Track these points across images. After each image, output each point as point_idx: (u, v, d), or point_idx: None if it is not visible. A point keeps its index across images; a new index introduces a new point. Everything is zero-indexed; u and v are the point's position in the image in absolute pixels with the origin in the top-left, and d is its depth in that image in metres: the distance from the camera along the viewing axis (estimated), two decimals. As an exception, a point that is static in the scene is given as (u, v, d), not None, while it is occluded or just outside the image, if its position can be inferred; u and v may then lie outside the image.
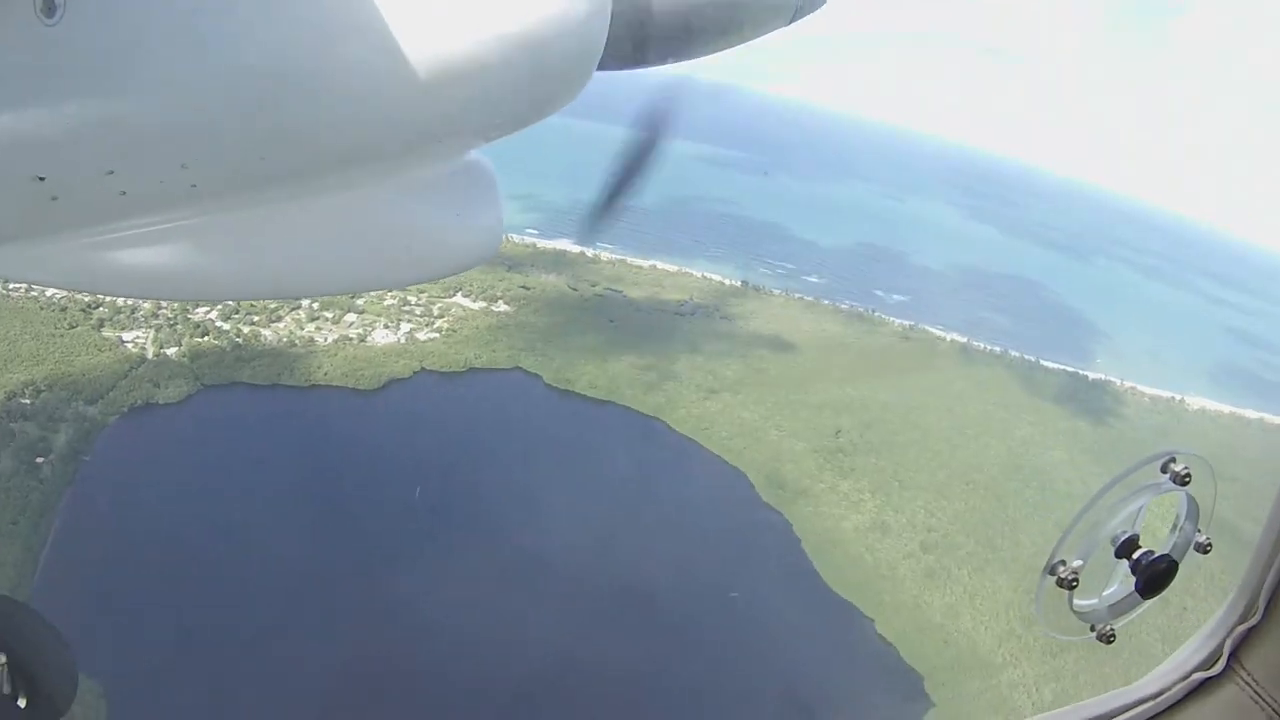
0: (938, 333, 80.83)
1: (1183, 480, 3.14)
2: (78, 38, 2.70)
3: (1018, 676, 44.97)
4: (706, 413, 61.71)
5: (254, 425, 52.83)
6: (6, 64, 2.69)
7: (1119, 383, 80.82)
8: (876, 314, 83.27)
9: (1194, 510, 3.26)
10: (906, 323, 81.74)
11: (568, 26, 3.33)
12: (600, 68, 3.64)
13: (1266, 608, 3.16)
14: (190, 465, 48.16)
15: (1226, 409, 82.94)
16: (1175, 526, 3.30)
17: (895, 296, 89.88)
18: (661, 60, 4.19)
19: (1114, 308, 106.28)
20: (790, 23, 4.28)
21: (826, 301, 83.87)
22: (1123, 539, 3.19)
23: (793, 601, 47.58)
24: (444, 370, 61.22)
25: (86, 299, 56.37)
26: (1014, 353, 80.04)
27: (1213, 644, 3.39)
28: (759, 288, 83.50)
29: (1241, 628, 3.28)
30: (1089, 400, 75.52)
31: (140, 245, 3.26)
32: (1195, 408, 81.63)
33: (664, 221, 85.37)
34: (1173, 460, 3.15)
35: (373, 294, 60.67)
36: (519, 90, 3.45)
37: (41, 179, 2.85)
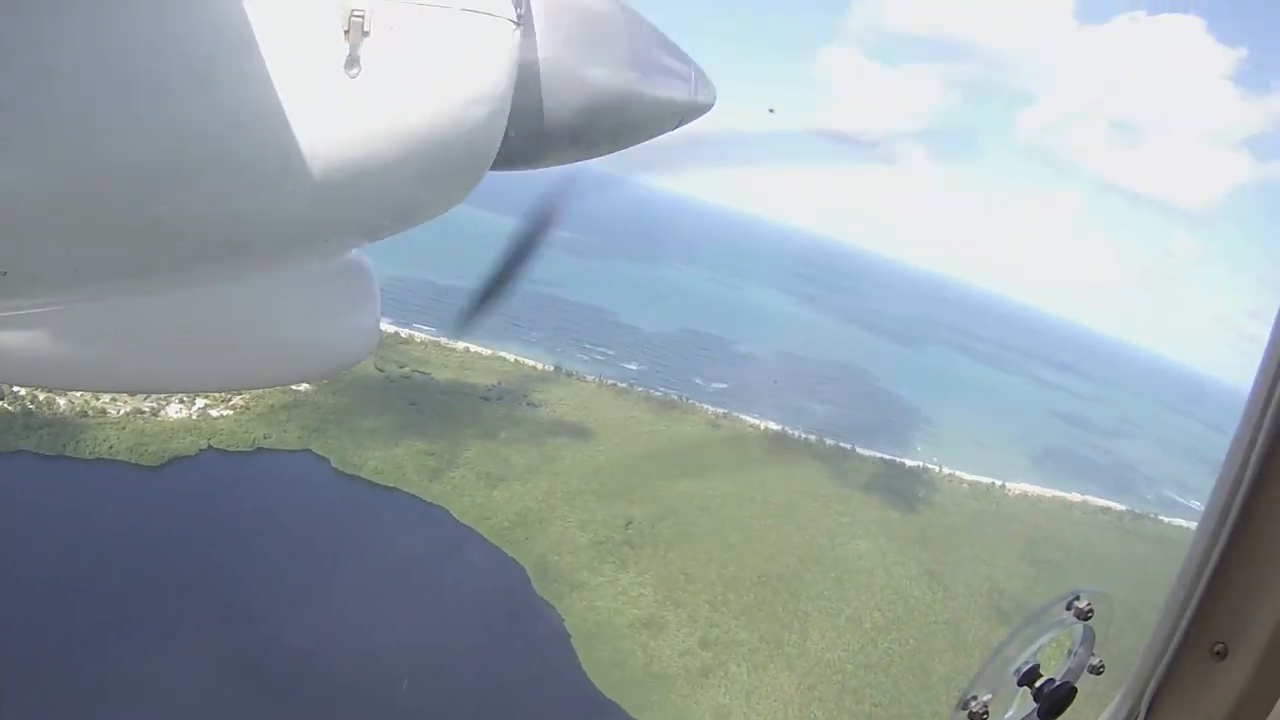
0: (751, 421, 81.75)
1: (1085, 615, 3.42)
2: None
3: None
4: (490, 501, 60.89)
5: (29, 498, 50.79)
6: None
7: (937, 469, 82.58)
8: (690, 401, 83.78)
9: (1089, 638, 3.51)
10: (719, 411, 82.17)
11: (464, 129, 3.16)
12: (492, 168, 3.49)
13: (1149, 710, 3.32)
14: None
15: (1049, 493, 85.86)
16: (1070, 652, 3.55)
17: (715, 384, 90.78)
18: (553, 162, 4.08)
19: (941, 394, 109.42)
20: (676, 127, 4.18)
21: (640, 389, 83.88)
22: (1025, 669, 3.41)
23: (551, 699, 46.37)
24: (231, 449, 59.84)
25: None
26: (829, 441, 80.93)
27: None
28: (572, 373, 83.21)
29: None
30: (902, 488, 77.15)
31: (11, 329, 3.22)
32: (1016, 493, 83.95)
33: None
34: (1077, 598, 3.42)
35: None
36: (409, 191, 3.31)
37: None
